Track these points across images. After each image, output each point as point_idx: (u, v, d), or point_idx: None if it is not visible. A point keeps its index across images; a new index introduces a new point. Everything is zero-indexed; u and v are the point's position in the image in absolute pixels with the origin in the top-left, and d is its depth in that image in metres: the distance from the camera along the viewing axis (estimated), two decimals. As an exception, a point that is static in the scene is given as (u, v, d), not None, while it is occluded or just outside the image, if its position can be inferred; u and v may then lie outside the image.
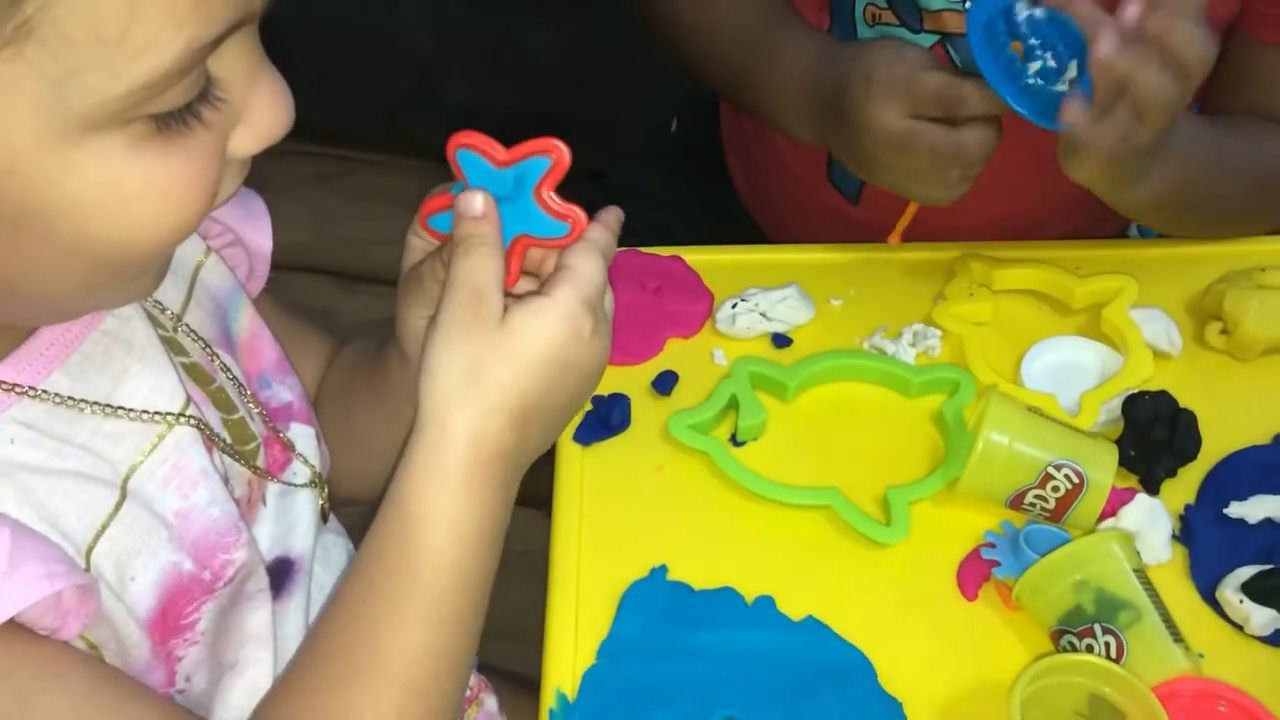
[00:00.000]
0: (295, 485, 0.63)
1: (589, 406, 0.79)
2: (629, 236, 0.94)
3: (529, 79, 1.81)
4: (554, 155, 0.53)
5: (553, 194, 0.54)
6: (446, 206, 0.55)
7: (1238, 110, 0.85)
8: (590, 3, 1.63)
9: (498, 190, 0.54)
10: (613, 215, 0.59)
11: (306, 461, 0.64)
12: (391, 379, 0.65)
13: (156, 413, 0.53)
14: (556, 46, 1.74)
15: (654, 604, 0.69)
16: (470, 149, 0.54)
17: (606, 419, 0.78)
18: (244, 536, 0.56)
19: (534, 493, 1.02)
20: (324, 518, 0.66)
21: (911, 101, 0.72)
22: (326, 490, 0.66)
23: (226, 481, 0.56)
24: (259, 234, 0.68)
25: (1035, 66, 0.69)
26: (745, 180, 1.05)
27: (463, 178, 0.55)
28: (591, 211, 0.57)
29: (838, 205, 0.93)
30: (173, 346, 0.57)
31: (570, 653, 0.68)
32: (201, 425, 0.55)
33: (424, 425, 0.53)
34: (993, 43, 0.68)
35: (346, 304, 1.82)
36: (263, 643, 0.58)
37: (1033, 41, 0.68)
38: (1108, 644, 0.62)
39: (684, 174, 1.09)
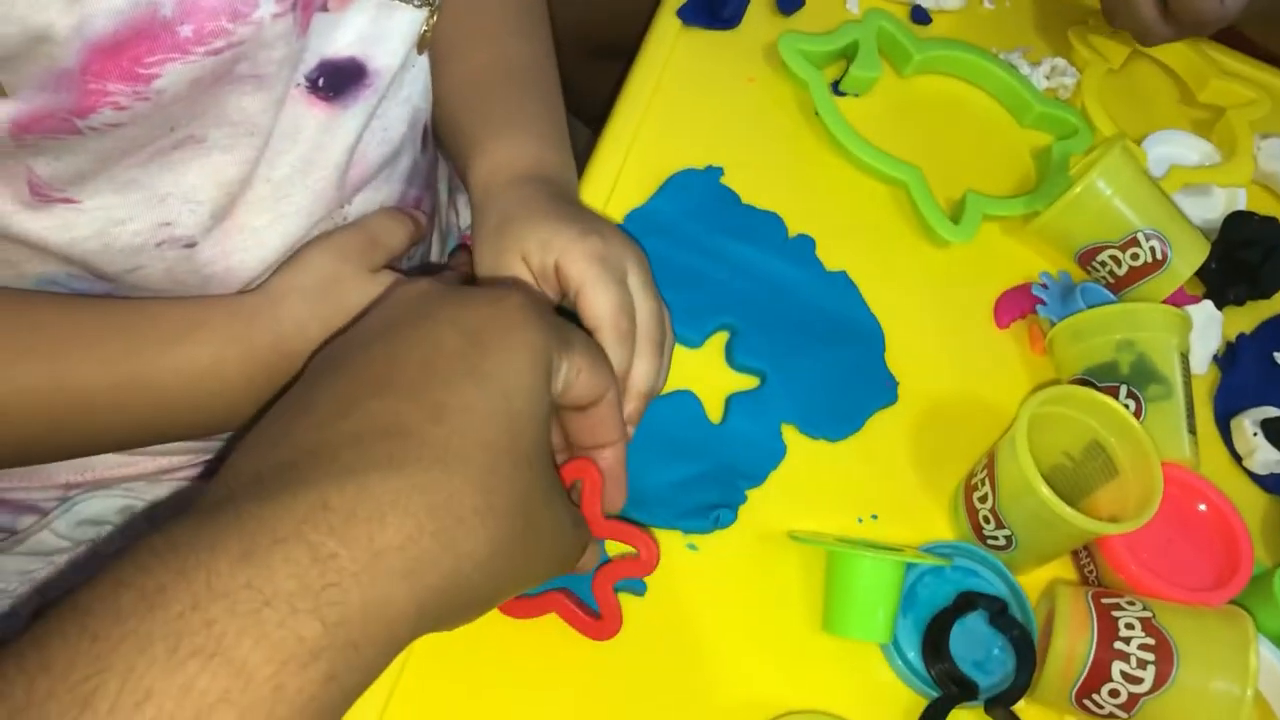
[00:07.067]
0: None
1: None
2: None
3: None
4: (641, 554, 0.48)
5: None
6: None
7: None
8: None
9: None
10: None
11: None
12: None
13: None
14: None
15: (697, 196, 0.65)
16: None
17: (718, 9, 0.72)
18: (262, 12, 0.44)
19: (585, 107, 0.95)
20: (421, 48, 0.58)
21: None
22: (435, 19, 0.56)
23: None
24: None
25: None
26: None
27: None
28: None
29: None
30: None
31: (599, 209, 0.65)
32: None
33: (255, 293, 0.53)
34: None
35: None
36: (244, 130, 0.49)
37: None
38: (1127, 406, 0.60)
39: None
